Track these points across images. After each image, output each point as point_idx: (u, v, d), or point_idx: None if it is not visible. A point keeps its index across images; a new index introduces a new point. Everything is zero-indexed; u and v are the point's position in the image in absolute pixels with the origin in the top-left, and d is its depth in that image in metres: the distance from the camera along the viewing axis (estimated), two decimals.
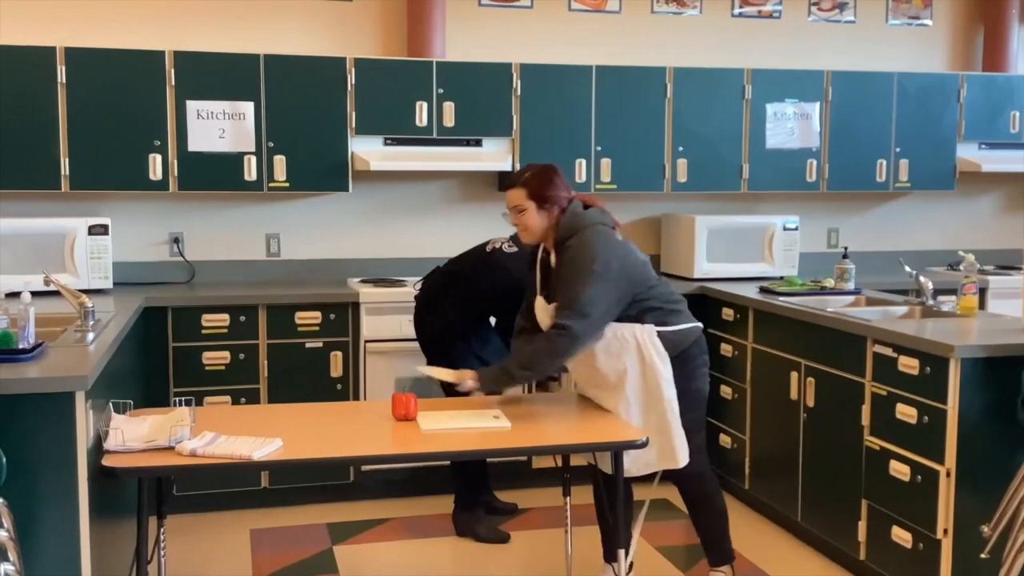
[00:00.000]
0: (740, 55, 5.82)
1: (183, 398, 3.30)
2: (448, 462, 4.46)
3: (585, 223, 3.52)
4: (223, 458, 2.94)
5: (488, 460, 4.63)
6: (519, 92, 5.19)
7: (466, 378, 3.51)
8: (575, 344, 3.41)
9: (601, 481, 3.67)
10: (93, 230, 4.75)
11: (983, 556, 3.27)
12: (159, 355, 4.64)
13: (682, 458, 3.58)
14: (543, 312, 3.59)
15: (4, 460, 2.59)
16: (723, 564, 3.87)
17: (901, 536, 3.70)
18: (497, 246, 4.32)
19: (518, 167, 5.19)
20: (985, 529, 3.29)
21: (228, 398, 4.70)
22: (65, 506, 2.77)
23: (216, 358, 4.70)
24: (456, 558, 4.31)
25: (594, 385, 3.60)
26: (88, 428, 2.84)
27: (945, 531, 3.49)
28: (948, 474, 3.47)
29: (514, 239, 4.22)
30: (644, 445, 3.27)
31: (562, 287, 3.46)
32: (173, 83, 4.79)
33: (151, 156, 4.79)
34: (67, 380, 2.77)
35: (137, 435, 3.02)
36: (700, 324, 3.71)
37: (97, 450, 2.93)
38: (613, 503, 3.37)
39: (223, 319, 4.71)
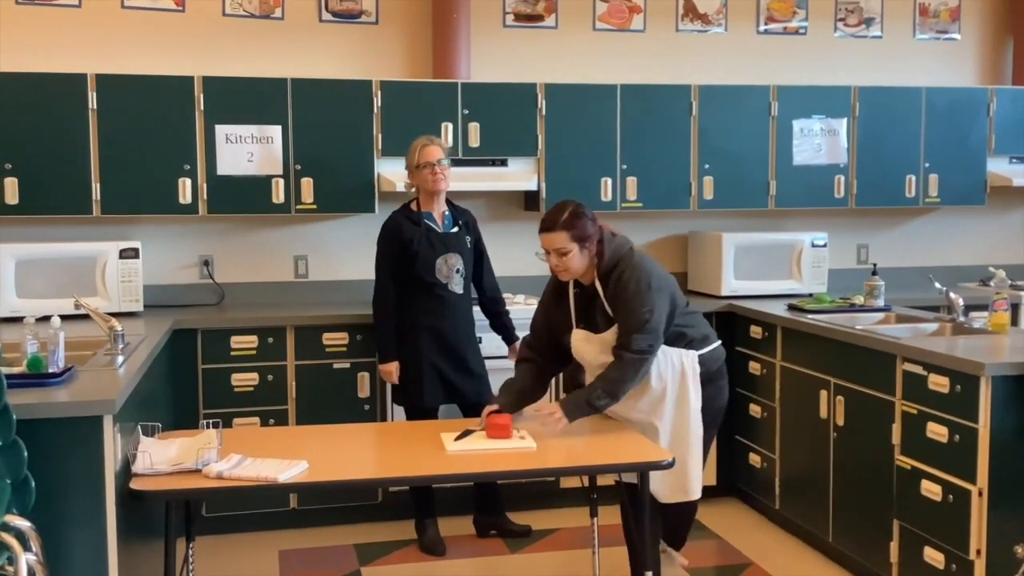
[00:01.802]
0: (766, 72, 5.81)
1: (210, 420, 3.32)
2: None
3: (623, 250, 3.59)
4: (249, 480, 2.96)
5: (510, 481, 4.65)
6: (544, 112, 5.21)
7: (552, 411, 3.47)
8: (647, 362, 3.51)
9: (627, 500, 3.65)
10: (124, 254, 4.80)
11: None
12: (189, 377, 4.67)
13: (695, 491, 3.64)
14: (585, 343, 3.61)
15: (33, 484, 2.62)
16: (680, 547, 4.01)
17: (933, 557, 3.64)
18: None
19: (543, 187, 5.21)
20: (1019, 550, 3.26)
21: (257, 419, 4.73)
22: (93, 530, 2.80)
23: (245, 380, 4.74)
24: None
25: (627, 408, 3.60)
26: (116, 451, 2.87)
27: (978, 552, 3.44)
28: (980, 494, 3.42)
29: None
30: (671, 466, 3.25)
31: (626, 312, 3.49)
32: (202, 108, 4.85)
33: (181, 180, 4.85)
34: (95, 404, 2.80)
35: (165, 458, 3.04)
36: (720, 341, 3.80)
37: (125, 473, 2.96)
38: (639, 521, 3.35)
39: (251, 341, 4.74)
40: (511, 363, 4.71)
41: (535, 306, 4.84)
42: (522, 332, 4.69)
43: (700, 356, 3.66)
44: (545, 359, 3.73)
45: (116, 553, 2.83)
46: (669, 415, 3.60)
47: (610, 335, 3.54)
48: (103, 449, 2.80)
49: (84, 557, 2.80)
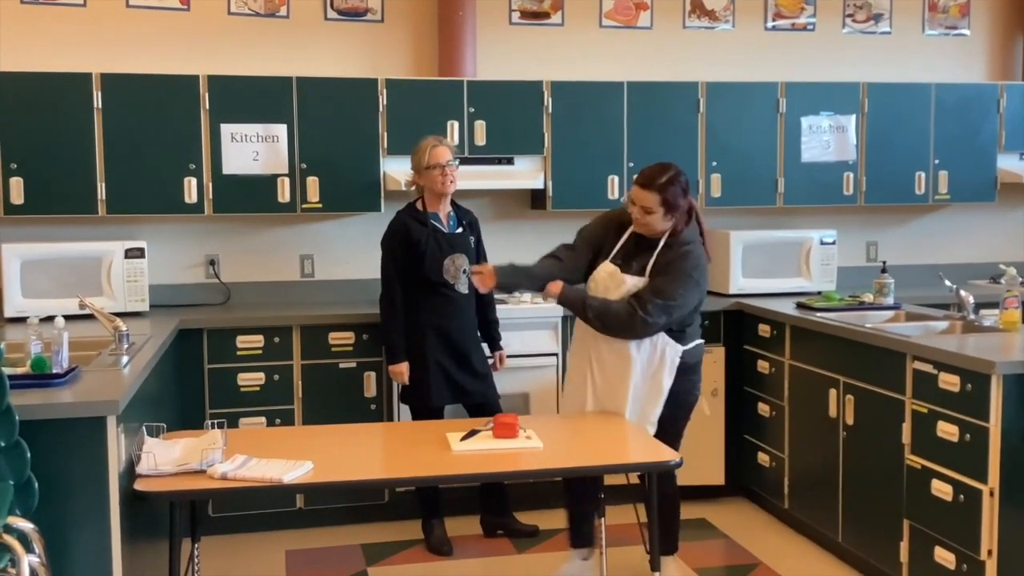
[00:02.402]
0: (774, 68, 5.77)
1: (215, 421, 3.30)
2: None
3: (695, 238, 3.80)
4: (254, 481, 2.95)
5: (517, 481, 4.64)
6: (550, 109, 5.18)
7: (556, 286, 3.72)
8: (646, 331, 3.68)
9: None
10: (129, 253, 4.79)
11: None
12: (195, 377, 4.66)
13: None
14: (608, 276, 3.75)
15: (36, 485, 2.61)
16: (675, 552, 4.05)
17: (944, 557, 3.61)
18: None
19: (550, 185, 5.18)
20: None
21: (263, 419, 4.71)
22: (97, 531, 2.78)
23: (251, 379, 4.72)
24: None
25: (602, 365, 3.78)
26: (120, 452, 2.85)
27: (989, 552, 3.41)
28: (991, 493, 3.39)
29: None
30: (678, 466, 3.23)
31: (665, 280, 3.67)
32: (207, 107, 4.84)
33: (186, 179, 4.83)
34: (98, 405, 2.79)
35: (169, 458, 3.03)
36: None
37: (129, 474, 2.94)
38: (649, 519, 3.34)
39: (257, 340, 4.72)
40: (511, 364, 4.73)
41: (540, 305, 4.88)
42: (513, 334, 4.75)
43: (684, 351, 3.79)
44: (568, 267, 3.84)
45: (120, 554, 2.82)
46: (636, 396, 3.74)
47: (631, 282, 3.69)
48: (107, 450, 2.79)
49: (88, 558, 2.79)
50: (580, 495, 3.97)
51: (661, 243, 3.73)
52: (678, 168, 3.77)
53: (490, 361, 4.63)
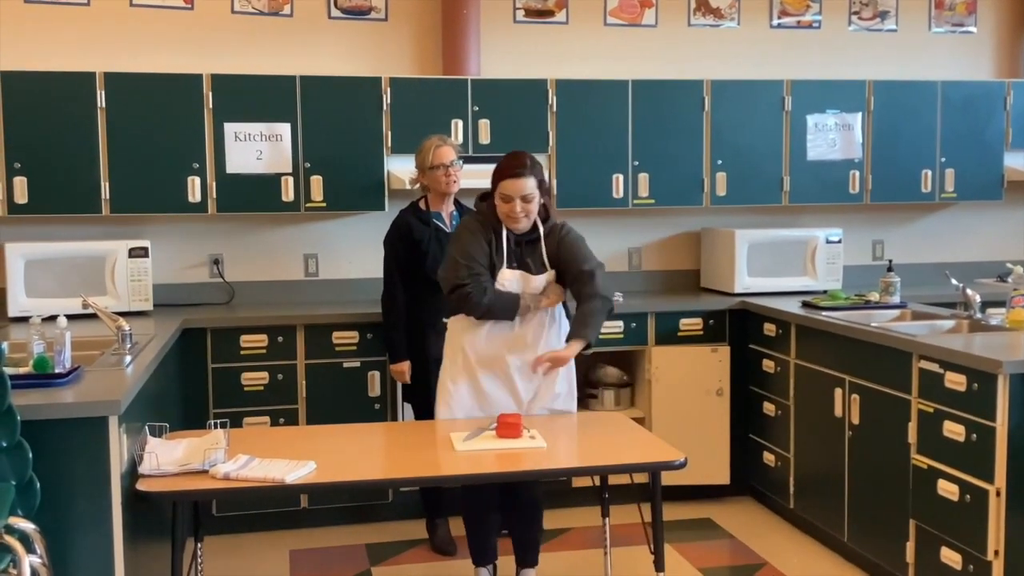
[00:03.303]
0: (779, 66, 5.75)
1: (218, 420, 3.29)
2: None
3: (560, 220, 3.84)
4: (256, 481, 2.94)
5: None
6: (555, 108, 5.16)
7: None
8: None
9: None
10: (133, 253, 4.79)
11: None
12: (199, 376, 4.66)
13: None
14: (519, 282, 3.69)
15: (38, 486, 2.60)
16: (534, 565, 3.95)
17: (950, 558, 3.59)
18: None
19: (555, 183, 5.16)
20: None
21: (267, 419, 4.70)
22: (99, 531, 2.78)
23: (255, 379, 4.71)
24: None
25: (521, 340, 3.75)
26: (122, 452, 2.85)
27: (996, 552, 3.39)
28: (998, 493, 3.37)
29: None
30: (683, 466, 3.22)
31: (580, 256, 3.71)
32: (211, 106, 4.83)
33: (190, 179, 4.83)
34: (100, 405, 2.78)
35: (172, 458, 3.02)
36: None
37: (132, 474, 2.94)
38: (654, 520, 3.32)
39: (261, 340, 4.72)
40: None
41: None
42: None
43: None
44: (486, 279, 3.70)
45: (123, 554, 2.81)
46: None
47: (539, 281, 3.70)
48: (108, 450, 2.78)
49: (90, 559, 2.78)
50: (482, 507, 3.89)
51: (542, 235, 3.72)
52: (518, 151, 3.79)
53: None
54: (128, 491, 2.86)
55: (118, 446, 2.81)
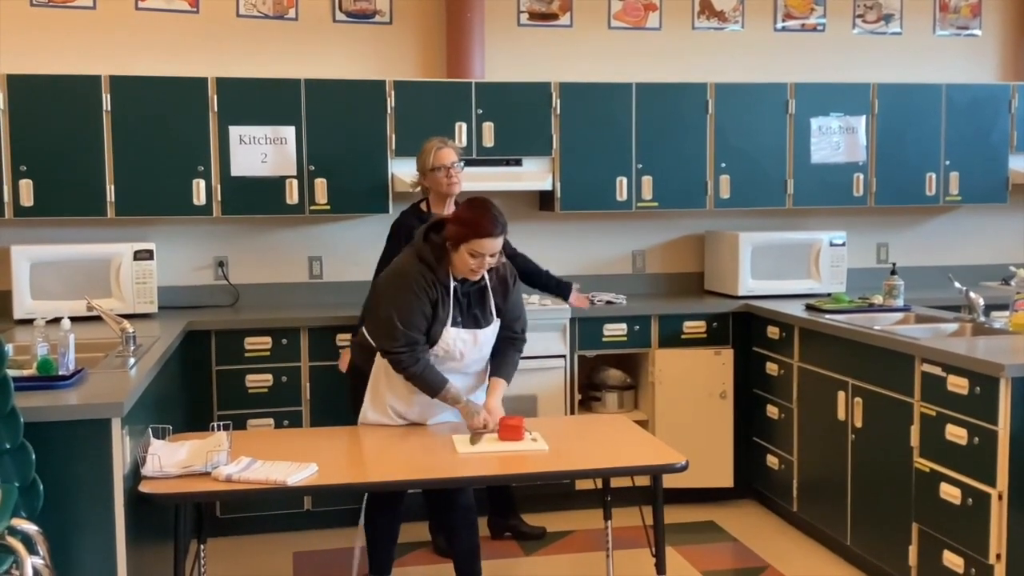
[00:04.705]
0: (783, 70, 5.75)
1: (222, 423, 3.31)
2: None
3: None
4: (258, 483, 2.95)
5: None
6: (559, 111, 5.17)
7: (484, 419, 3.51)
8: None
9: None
10: (138, 255, 4.81)
11: None
12: (203, 379, 4.67)
13: None
14: (466, 343, 3.57)
15: (41, 487, 2.62)
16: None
17: (953, 561, 3.59)
18: None
19: (558, 186, 5.17)
20: None
21: (271, 421, 4.72)
22: (101, 533, 2.79)
23: (259, 381, 4.73)
24: None
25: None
26: (125, 454, 2.86)
27: (998, 556, 3.38)
28: (1000, 497, 3.36)
29: None
30: (684, 468, 3.22)
31: (518, 302, 3.73)
32: (216, 109, 4.85)
33: (195, 181, 4.84)
34: (103, 407, 2.79)
35: (174, 460, 3.04)
36: None
37: (135, 476, 2.95)
38: (655, 522, 3.32)
39: (265, 342, 4.73)
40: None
41: (549, 307, 4.88)
42: None
43: None
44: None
45: (125, 556, 2.82)
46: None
47: (486, 336, 3.62)
48: (111, 452, 2.79)
49: (93, 560, 2.79)
50: (388, 516, 3.82)
51: (488, 284, 3.61)
52: (485, 199, 3.57)
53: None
54: (131, 493, 2.88)
55: (121, 448, 2.82)
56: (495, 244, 3.48)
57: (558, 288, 4.85)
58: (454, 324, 3.56)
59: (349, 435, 3.67)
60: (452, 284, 3.55)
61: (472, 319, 3.60)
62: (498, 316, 3.66)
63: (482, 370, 3.72)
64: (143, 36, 5.14)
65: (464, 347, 3.59)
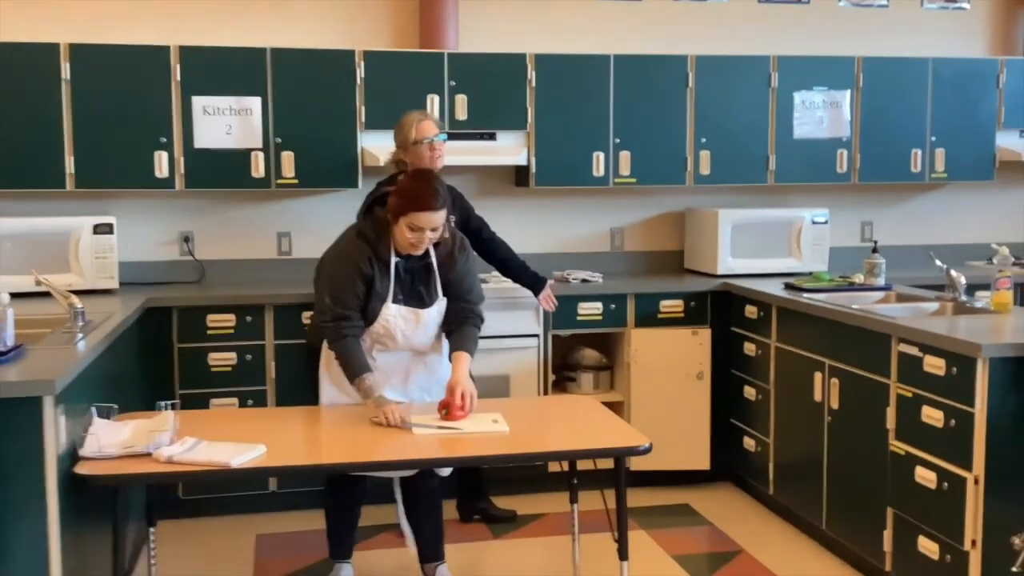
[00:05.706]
0: (766, 42, 5.60)
1: (168, 402, 3.17)
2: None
3: None
4: (200, 465, 2.84)
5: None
6: (534, 84, 5.03)
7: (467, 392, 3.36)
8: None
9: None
10: (98, 229, 4.67)
11: (1014, 570, 3.06)
12: (164, 357, 4.55)
13: None
14: (405, 320, 3.44)
15: None
16: (443, 560, 3.79)
17: (927, 547, 3.48)
18: None
19: (533, 161, 5.04)
20: (1016, 540, 3.10)
21: (235, 400, 4.60)
22: (32, 516, 2.66)
23: (222, 359, 4.61)
24: (463, 563, 4.16)
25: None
26: (59, 434, 2.73)
27: (973, 542, 3.27)
28: (976, 481, 3.25)
29: None
30: (648, 451, 3.11)
31: (471, 280, 3.55)
32: (179, 78, 4.70)
33: (157, 153, 4.71)
34: (33, 384, 2.66)
35: (115, 441, 2.92)
36: None
37: (72, 457, 2.83)
38: (619, 504, 3.21)
39: (229, 319, 4.61)
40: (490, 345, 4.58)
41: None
42: (493, 314, 4.58)
43: None
44: (362, 329, 3.46)
45: (59, 541, 2.70)
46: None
47: (435, 312, 3.47)
48: (43, 432, 2.66)
49: (23, 545, 2.66)
50: (348, 499, 3.73)
51: (434, 262, 3.46)
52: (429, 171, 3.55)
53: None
54: (66, 474, 2.75)
55: (54, 428, 2.69)
56: (435, 218, 3.33)
57: (533, 281, 4.61)
58: (395, 301, 3.42)
59: (305, 415, 3.56)
60: (393, 260, 3.41)
61: (415, 297, 3.46)
62: (445, 294, 3.51)
63: (429, 351, 3.56)
64: (103, 3, 4.98)
65: (405, 326, 3.45)
